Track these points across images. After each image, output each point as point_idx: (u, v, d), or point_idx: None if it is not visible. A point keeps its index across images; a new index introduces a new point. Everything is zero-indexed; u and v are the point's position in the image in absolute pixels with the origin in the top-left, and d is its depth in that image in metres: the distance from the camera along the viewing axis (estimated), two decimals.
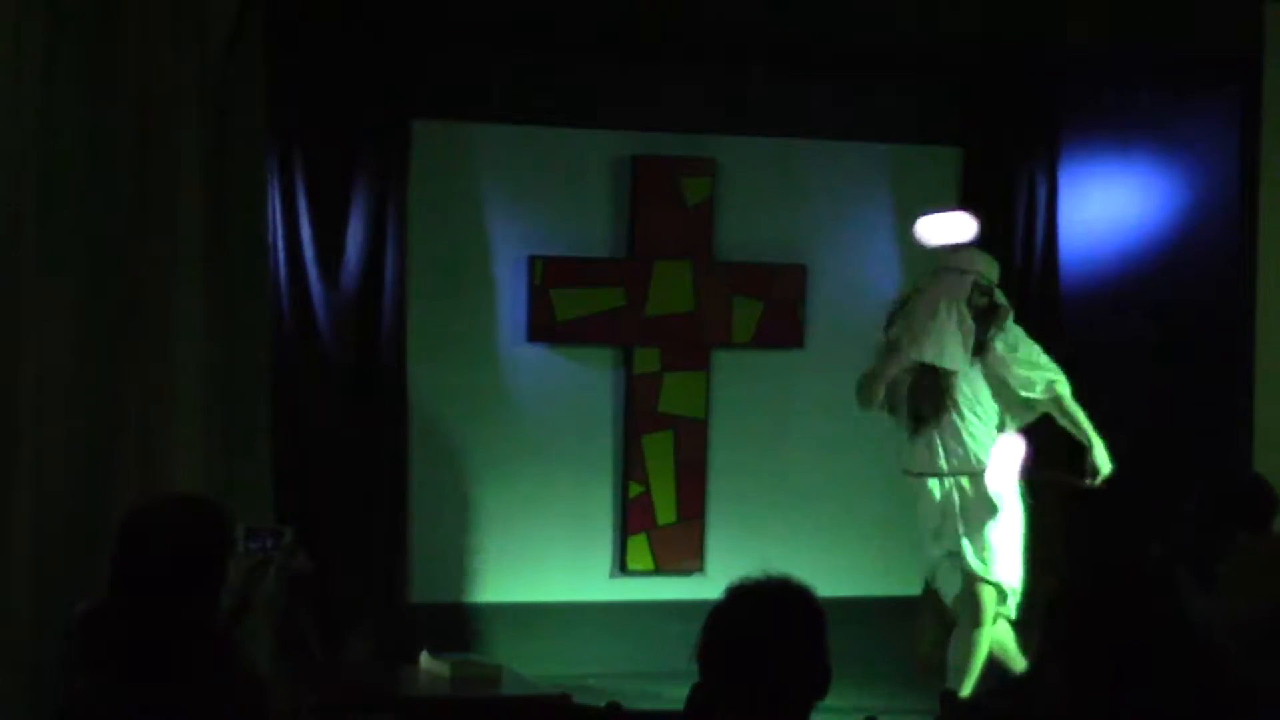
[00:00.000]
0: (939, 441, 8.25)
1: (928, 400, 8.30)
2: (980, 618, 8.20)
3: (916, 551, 8.50)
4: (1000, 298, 8.30)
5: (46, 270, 7.43)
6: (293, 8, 8.33)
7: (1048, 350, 8.24)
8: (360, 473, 8.92)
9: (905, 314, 8.36)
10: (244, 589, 4.44)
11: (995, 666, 8.27)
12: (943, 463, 8.25)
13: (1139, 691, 3.30)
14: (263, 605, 4.46)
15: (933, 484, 8.29)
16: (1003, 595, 8.26)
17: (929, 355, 8.24)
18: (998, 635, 8.27)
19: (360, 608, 8.84)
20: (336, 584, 8.72)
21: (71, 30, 7.46)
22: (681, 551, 9.49)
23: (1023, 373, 8.25)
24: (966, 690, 8.09)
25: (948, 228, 8.51)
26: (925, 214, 8.58)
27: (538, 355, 9.38)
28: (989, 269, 8.39)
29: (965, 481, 8.25)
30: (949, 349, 8.23)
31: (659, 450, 9.50)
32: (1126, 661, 3.32)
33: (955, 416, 8.24)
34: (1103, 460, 8.22)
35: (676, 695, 3.89)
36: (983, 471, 8.23)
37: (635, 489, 9.47)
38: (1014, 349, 8.26)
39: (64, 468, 7.42)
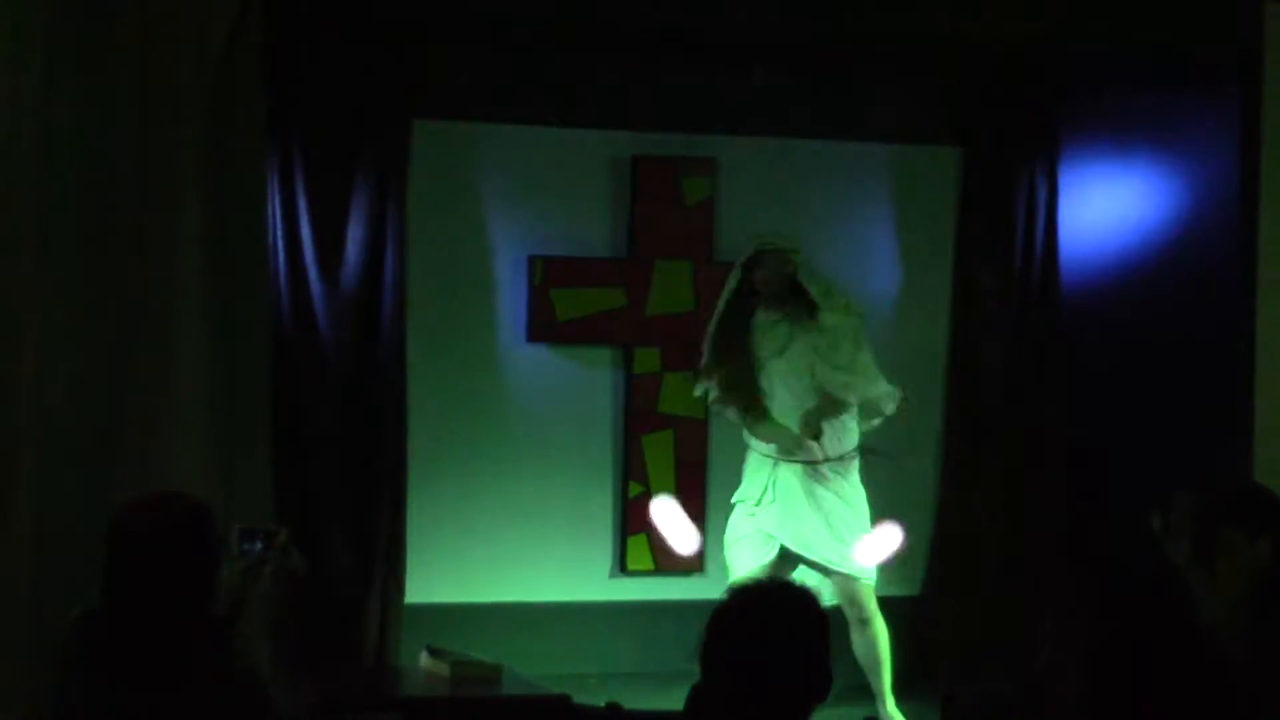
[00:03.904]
0: None
1: None
2: None
3: None
4: None
5: (46, 269, 7.43)
6: (292, 7, 8.34)
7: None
8: (360, 473, 8.92)
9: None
10: (240, 590, 4.43)
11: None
12: None
13: (1155, 695, 3.30)
14: (260, 606, 4.46)
15: None
16: None
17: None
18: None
19: (349, 618, 8.84)
20: (336, 584, 8.73)
21: (71, 30, 7.46)
22: None
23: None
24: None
25: None
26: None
27: (538, 355, 9.38)
28: None
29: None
30: None
31: (659, 450, 9.50)
32: (1145, 665, 3.32)
33: None
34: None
35: (676, 695, 3.89)
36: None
37: (635, 489, 9.47)
38: None
39: (64, 468, 7.41)
